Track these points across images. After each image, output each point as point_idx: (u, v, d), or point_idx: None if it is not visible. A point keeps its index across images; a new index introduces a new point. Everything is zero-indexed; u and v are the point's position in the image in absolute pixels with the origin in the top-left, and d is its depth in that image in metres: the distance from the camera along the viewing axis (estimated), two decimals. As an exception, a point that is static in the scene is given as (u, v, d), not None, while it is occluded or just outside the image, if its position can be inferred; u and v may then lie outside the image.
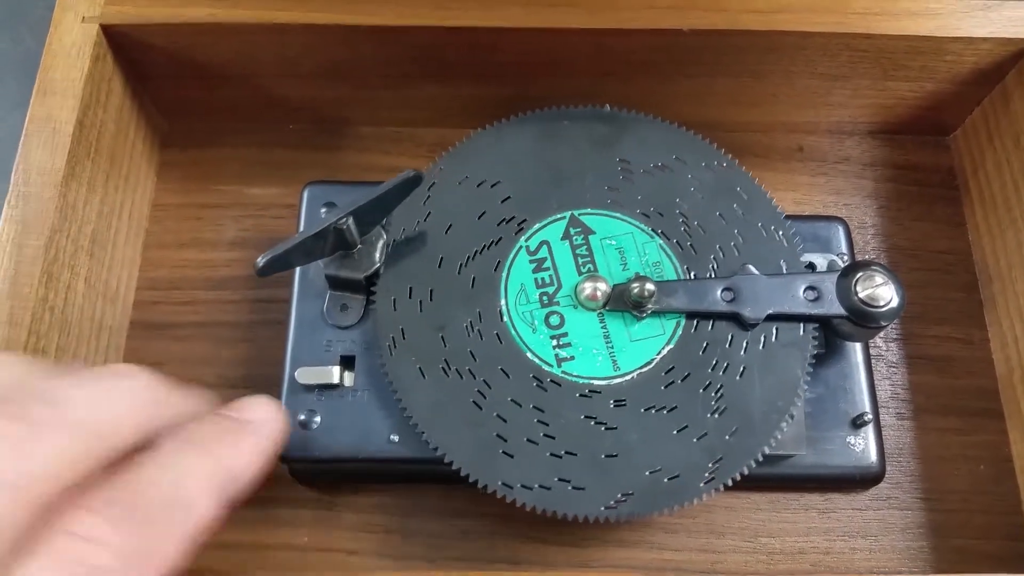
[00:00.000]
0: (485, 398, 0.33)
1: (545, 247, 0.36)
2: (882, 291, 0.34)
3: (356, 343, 0.36)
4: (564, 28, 0.39)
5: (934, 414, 0.40)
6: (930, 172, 0.45)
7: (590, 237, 0.36)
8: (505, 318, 0.34)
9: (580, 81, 0.42)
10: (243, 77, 0.42)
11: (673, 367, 0.34)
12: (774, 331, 0.35)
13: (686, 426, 0.33)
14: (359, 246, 0.35)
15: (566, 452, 0.33)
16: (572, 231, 0.36)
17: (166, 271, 0.42)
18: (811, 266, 0.38)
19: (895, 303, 0.34)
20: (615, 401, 0.34)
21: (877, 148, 0.45)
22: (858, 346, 0.38)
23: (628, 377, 0.34)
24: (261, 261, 0.32)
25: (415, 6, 0.39)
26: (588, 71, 0.41)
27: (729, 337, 0.35)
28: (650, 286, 0.34)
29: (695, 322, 0.35)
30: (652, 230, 0.36)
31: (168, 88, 0.42)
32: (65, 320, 0.36)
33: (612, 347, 0.35)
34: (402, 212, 0.35)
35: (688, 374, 0.34)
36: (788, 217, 0.37)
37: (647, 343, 0.35)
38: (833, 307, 0.35)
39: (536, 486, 0.32)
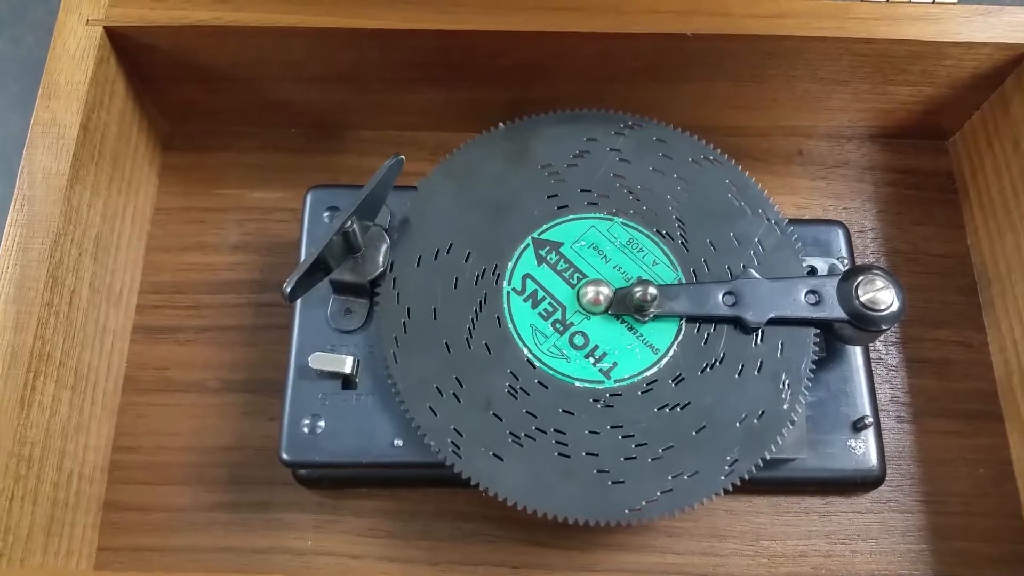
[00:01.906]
0: (567, 445, 0.33)
1: (529, 280, 0.35)
2: (883, 295, 0.35)
3: (360, 347, 0.36)
4: (567, 32, 0.39)
5: (934, 417, 0.40)
6: (929, 176, 0.45)
7: (561, 249, 0.36)
8: (537, 364, 0.34)
9: (582, 85, 0.42)
10: (246, 80, 0.42)
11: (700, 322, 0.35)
12: (759, 247, 0.36)
13: (742, 365, 0.34)
14: (363, 250, 0.36)
15: (663, 450, 0.33)
16: (542, 253, 0.36)
17: (169, 275, 0.42)
18: (812, 270, 0.38)
19: (896, 307, 0.35)
20: (673, 380, 0.34)
21: (877, 152, 0.46)
22: (858, 350, 0.38)
23: (670, 353, 0.34)
24: (287, 288, 0.32)
25: (418, 10, 0.39)
26: (590, 75, 0.41)
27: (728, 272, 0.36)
28: (652, 290, 0.34)
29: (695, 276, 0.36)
30: (607, 214, 0.37)
31: (171, 91, 0.42)
32: (70, 324, 0.36)
33: (641, 335, 0.35)
34: (384, 319, 0.34)
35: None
36: (789, 221, 0.37)
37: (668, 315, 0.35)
38: (834, 311, 0.35)
39: (658, 494, 0.32)
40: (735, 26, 0.39)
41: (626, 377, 0.34)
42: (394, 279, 0.35)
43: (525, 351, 0.34)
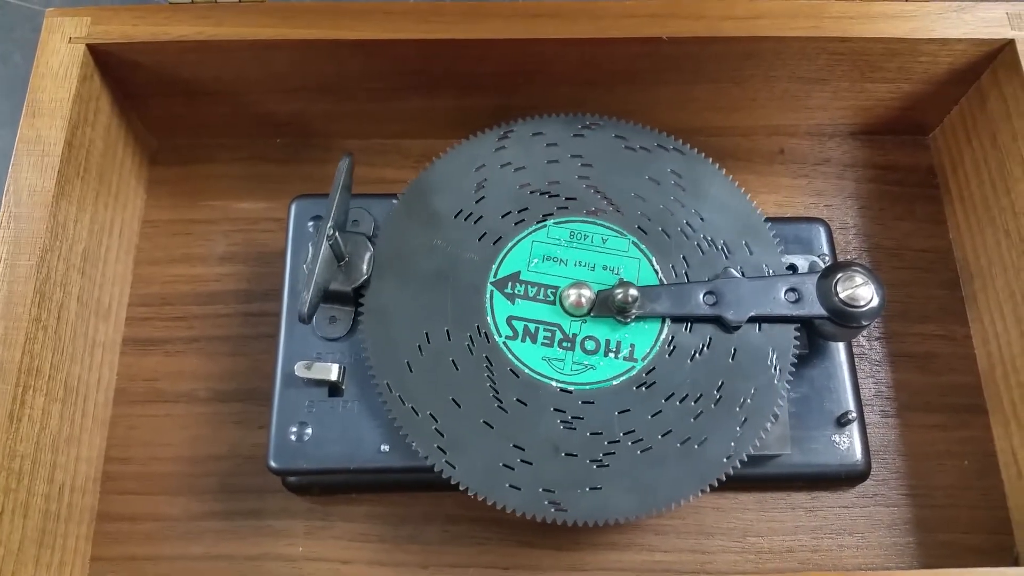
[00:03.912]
0: (643, 439, 0.34)
1: (515, 321, 0.35)
2: (862, 291, 0.35)
3: (345, 354, 0.36)
4: (546, 39, 0.39)
5: (918, 411, 0.40)
6: (910, 172, 0.46)
7: (521, 277, 0.36)
8: (572, 388, 0.34)
9: (564, 90, 0.42)
10: (230, 93, 0.42)
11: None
12: (676, 176, 0.38)
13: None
14: (346, 258, 0.36)
15: (718, 390, 0.34)
16: (508, 290, 0.36)
17: (157, 287, 0.42)
18: (792, 267, 0.38)
19: (875, 303, 0.35)
20: (686, 329, 0.35)
21: (857, 149, 0.46)
22: (841, 346, 0.39)
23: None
24: (304, 310, 0.33)
25: (398, 20, 0.39)
26: (571, 80, 0.42)
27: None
28: (633, 291, 0.35)
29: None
30: (537, 223, 0.37)
31: (156, 106, 0.43)
32: (59, 339, 0.36)
33: None
34: (417, 438, 0.33)
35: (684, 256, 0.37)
36: (769, 219, 0.38)
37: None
38: (814, 308, 0.35)
39: (739, 429, 0.34)
40: (711, 29, 0.39)
41: (648, 351, 0.35)
42: (399, 397, 0.34)
43: (554, 384, 0.34)
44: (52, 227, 0.36)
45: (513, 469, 0.33)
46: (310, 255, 0.36)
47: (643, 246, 0.37)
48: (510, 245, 0.36)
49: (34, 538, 0.34)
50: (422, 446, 0.33)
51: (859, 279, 0.35)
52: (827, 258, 0.39)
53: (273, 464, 0.35)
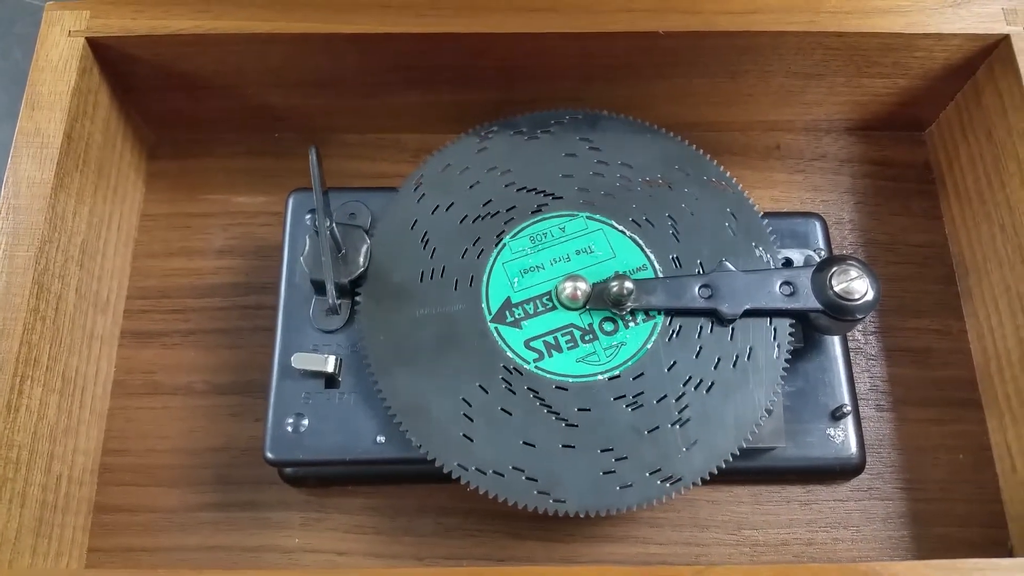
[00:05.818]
0: (701, 380, 0.35)
1: (533, 342, 0.35)
2: (857, 284, 0.35)
3: (342, 346, 0.36)
4: (544, 33, 0.39)
5: (913, 405, 0.41)
6: (906, 167, 0.46)
7: (513, 301, 0.36)
8: (618, 371, 0.35)
9: (562, 84, 0.42)
10: (228, 87, 0.42)
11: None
12: (589, 143, 0.39)
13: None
14: (343, 251, 0.36)
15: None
16: (509, 320, 0.36)
17: (155, 280, 0.42)
18: (788, 261, 0.38)
19: (870, 296, 0.35)
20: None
21: (853, 144, 0.46)
22: (836, 339, 0.39)
23: (658, 266, 0.37)
24: (335, 301, 0.35)
25: (396, 14, 0.39)
26: (569, 74, 0.42)
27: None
28: (628, 284, 0.35)
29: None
30: (496, 246, 0.37)
31: (154, 99, 0.43)
32: (57, 330, 0.36)
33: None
34: (512, 495, 0.33)
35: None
36: (766, 214, 0.38)
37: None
38: (809, 301, 0.36)
39: (770, 326, 0.35)
40: (707, 23, 0.39)
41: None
42: (477, 470, 0.33)
43: (600, 377, 0.35)
44: (51, 219, 0.36)
45: (614, 472, 0.33)
46: (307, 248, 0.37)
47: (597, 216, 0.37)
48: (485, 278, 0.36)
49: (31, 528, 0.34)
50: (525, 500, 0.33)
51: (854, 272, 0.35)
52: (823, 253, 0.40)
53: (269, 455, 0.35)
